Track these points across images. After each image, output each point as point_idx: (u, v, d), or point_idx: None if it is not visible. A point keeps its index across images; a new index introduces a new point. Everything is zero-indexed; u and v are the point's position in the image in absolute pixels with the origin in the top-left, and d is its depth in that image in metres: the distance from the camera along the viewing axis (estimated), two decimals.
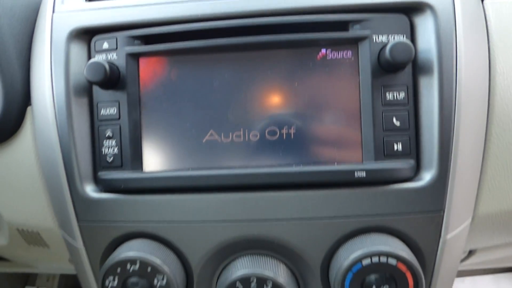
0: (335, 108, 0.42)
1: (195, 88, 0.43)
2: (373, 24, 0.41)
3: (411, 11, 0.42)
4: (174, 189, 0.42)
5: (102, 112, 0.44)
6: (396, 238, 0.41)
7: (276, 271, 0.41)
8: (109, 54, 0.44)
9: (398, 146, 0.41)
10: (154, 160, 0.44)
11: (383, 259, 0.38)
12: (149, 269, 0.41)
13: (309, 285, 0.44)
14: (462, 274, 1.29)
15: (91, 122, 0.45)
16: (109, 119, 0.44)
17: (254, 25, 0.41)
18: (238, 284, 0.40)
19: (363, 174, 0.39)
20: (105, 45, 0.44)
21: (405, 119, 0.41)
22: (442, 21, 0.40)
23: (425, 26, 0.41)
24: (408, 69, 0.41)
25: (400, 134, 0.41)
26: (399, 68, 0.40)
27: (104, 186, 0.44)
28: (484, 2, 0.44)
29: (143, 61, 0.44)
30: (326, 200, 0.41)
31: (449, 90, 0.40)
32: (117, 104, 0.44)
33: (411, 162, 0.41)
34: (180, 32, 0.42)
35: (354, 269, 0.39)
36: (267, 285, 0.40)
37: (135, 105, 0.44)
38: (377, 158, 0.41)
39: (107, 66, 0.41)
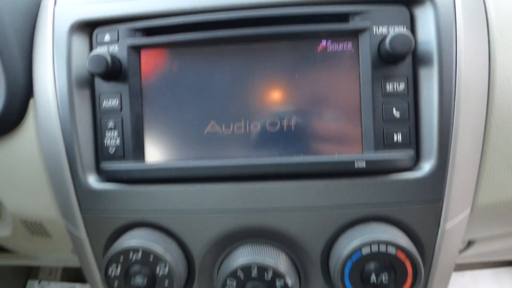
0: (335, 100, 0.42)
1: (196, 80, 0.43)
2: (373, 15, 0.41)
3: (411, 3, 0.42)
4: (176, 179, 0.43)
5: (104, 104, 0.44)
6: (395, 228, 0.41)
7: (277, 259, 0.41)
8: (110, 46, 0.44)
9: (398, 137, 0.41)
10: (156, 151, 0.44)
11: (382, 247, 0.39)
12: (151, 257, 0.41)
13: (309, 274, 0.44)
14: (461, 268, 1.29)
15: (93, 113, 0.45)
16: (111, 111, 0.44)
17: (254, 17, 0.42)
18: (239, 272, 0.41)
19: (363, 164, 0.40)
20: (107, 38, 0.44)
21: (405, 110, 0.41)
22: (442, 12, 0.40)
23: (425, 18, 0.41)
24: (408, 60, 0.41)
25: (400, 125, 0.41)
26: (399, 60, 0.41)
27: (107, 176, 0.44)
28: None
29: (144, 53, 0.44)
30: (326, 190, 0.41)
31: (448, 81, 0.40)
32: (119, 95, 0.44)
33: (410, 152, 0.41)
34: (181, 25, 0.43)
35: (354, 257, 0.39)
36: (267, 273, 0.40)
37: (136, 97, 0.44)
38: (377, 148, 0.41)
39: (109, 58, 0.41)
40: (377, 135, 0.41)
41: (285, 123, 0.43)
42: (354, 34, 0.42)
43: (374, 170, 0.40)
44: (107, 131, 0.44)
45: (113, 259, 0.42)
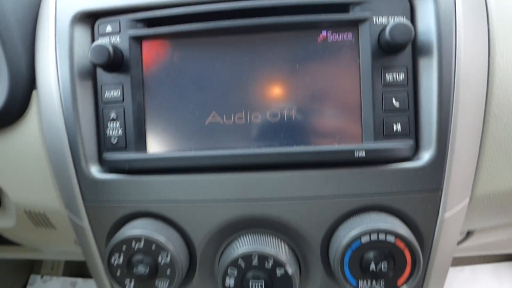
0: (335, 90, 0.42)
1: (197, 71, 0.44)
2: (373, 6, 0.41)
3: None
4: (177, 169, 0.43)
5: (106, 94, 0.45)
6: (394, 217, 0.42)
7: (277, 248, 0.42)
8: (112, 37, 0.44)
9: (397, 127, 0.42)
10: (158, 141, 0.45)
11: (381, 236, 0.39)
12: (153, 246, 0.42)
13: (309, 263, 0.45)
14: (461, 263, 1.30)
15: (96, 104, 0.46)
16: (113, 102, 0.45)
17: (255, 7, 0.42)
18: (240, 261, 0.41)
19: (363, 153, 0.40)
20: (109, 29, 0.45)
21: (404, 100, 0.41)
22: (442, 2, 0.41)
23: (425, 8, 0.41)
24: (408, 50, 0.42)
25: (399, 114, 0.42)
26: (399, 49, 0.41)
27: (109, 167, 0.45)
28: None
29: (146, 44, 0.44)
30: (326, 179, 0.42)
31: (448, 71, 0.40)
32: (121, 86, 0.44)
33: (410, 142, 0.41)
34: (182, 15, 0.43)
35: (353, 246, 0.40)
36: (268, 262, 0.41)
37: (138, 88, 0.44)
38: (376, 138, 0.41)
39: (111, 49, 0.41)
40: (376, 125, 0.41)
41: (285, 114, 0.43)
42: (355, 24, 0.42)
43: (374, 159, 0.41)
44: (109, 122, 0.45)
45: (115, 248, 0.42)
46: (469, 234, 0.55)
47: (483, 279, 1.28)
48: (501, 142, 0.43)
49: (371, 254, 0.40)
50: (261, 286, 0.41)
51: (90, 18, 0.45)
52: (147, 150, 0.45)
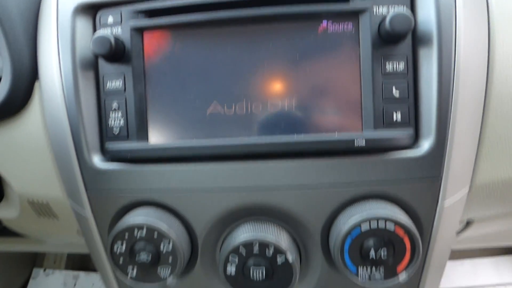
0: (336, 80, 0.43)
1: (198, 62, 0.44)
2: None
3: None
4: (179, 158, 0.43)
5: (108, 85, 0.45)
6: (394, 205, 0.42)
7: (278, 236, 0.42)
8: (114, 28, 0.45)
9: (397, 116, 0.42)
10: (159, 131, 0.45)
11: (381, 223, 0.40)
12: (155, 234, 0.42)
13: (309, 251, 0.45)
14: (461, 256, 1.31)
15: (98, 95, 0.46)
16: (115, 92, 0.45)
17: None
18: (241, 248, 0.42)
19: (363, 142, 0.40)
20: (110, 20, 0.45)
21: (404, 89, 0.42)
22: None
23: None
24: (408, 40, 0.42)
25: (400, 104, 0.42)
26: (399, 39, 0.41)
27: (111, 156, 0.45)
28: None
29: (147, 35, 0.45)
30: (326, 168, 0.42)
31: (448, 60, 0.40)
32: (123, 77, 0.45)
33: (410, 131, 0.42)
34: (183, 6, 0.43)
35: (353, 233, 0.40)
36: (269, 250, 0.41)
37: (140, 78, 0.45)
38: (376, 127, 0.42)
39: (112, 39, 0.42)
40: (376, 114, 0.42)
41: (286, 103, 0.43)
42: (355, 15, 0.42)
43: (374, 148, 0.41)
44: (111, 112, 0.45)
45: (118, 236, 0.43)
46: (468, 223, 0.56)
47: (483, 272, 1.29)
48: (501, 131, 0.43)
49: (370, 242, 0.40)
50: (262, 273, 0.42)
51: (91, 9, 0.46)
52: (149, 139, 0.45)
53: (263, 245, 0.41)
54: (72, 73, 0.44)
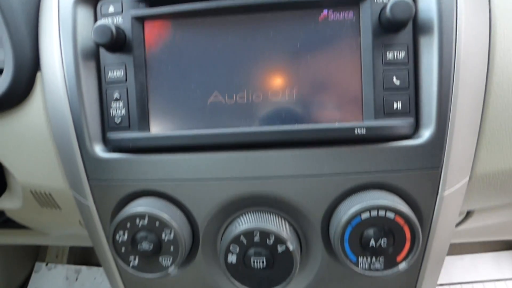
0: (336, 69, 0.43)
1: (199, 51, 0.44)
2: None
3: None
4: (180, 148, 0.44)
5: (110, 75, 0.45)
6: (394, 194, 0.42)
7: (279, 225, 0.43)
8: (115, 17, 0.45)
9: (397, 105, 0.42)
10: (160, 120, 0.45)
11: (381, 213, 0.40)
12: (157, 223, 0.42)
13: (310, 240, 0.46)
14: (461, 251, 1.31)
15: (99, 85, 0.46)
16: (116, 82, 0.45)
17: None
18: (242, 238, 0.42)
19: (363, 131, 0.41)
20: (111, 9, 0.45)
21: (405, 78, 0.42)
22: None
23: None
24: (409, 28, 0.42)
25: (400, 93, 0.42)
26: (400, 27, 0.41)
27: (113, 146, 0.45)
28: None
29: (148, 24, 0.45)
30: (327, 157, 0.42)
31: (448, 49, 0.40)
32: (124, 67, 0.45)
33: (410, 120, 0.42)
34: None
35: (353, 223, 0.40)
36: (269, 239, 0.42)
37: (141, 68, 0.45)
38: (377, 116, 0.42)
39: (113, 29, 0.42)
40: (377, 103, 0.42)
41: (287, 93, 0.43)
42: (355, 3, 0.42)
43: (374, 137, 0.41)
44: (112, 102, 0.45)
45: (120, 225, 0.43)
46: (468, 214, 0.56)
47: (483, 267, 1.29)
48: (502, 121, 0.43)
49: (371, 231, 0.40)
50: (263, 262, 0.42)
51: None
52: (150, 129, 0.45)
53: (264, 234, 0.42)
54: (73, 63, 0.45)
